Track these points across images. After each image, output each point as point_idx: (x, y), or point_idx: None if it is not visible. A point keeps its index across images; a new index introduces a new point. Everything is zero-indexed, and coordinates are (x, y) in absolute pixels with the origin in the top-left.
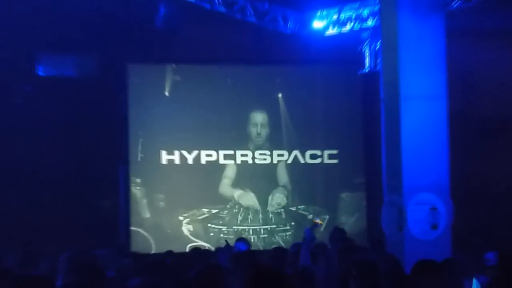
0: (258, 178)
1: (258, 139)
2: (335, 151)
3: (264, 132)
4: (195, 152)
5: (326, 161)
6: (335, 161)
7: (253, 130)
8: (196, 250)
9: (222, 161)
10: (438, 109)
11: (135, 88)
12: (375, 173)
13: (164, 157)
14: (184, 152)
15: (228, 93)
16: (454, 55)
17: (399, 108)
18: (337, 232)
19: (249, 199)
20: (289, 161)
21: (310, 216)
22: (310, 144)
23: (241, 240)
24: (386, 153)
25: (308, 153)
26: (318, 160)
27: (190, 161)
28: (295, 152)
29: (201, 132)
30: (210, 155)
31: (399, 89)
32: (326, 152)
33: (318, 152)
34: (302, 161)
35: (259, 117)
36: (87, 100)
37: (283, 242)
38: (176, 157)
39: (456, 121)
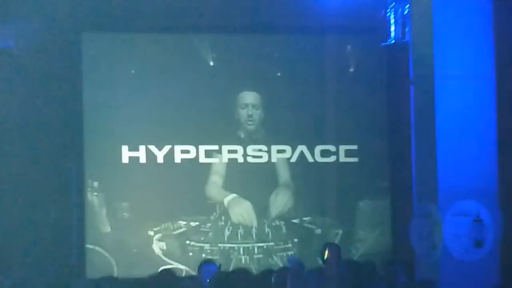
0: (251, 182)
1: (250, 123)
2: (353, 147)
3: (257, 114)
4: (167, 148)
5: (342, 159)
6: (353, 159)
7: (243, 112)
8: (170, 274)
9: (203, 159)
10: (484, 92)
11: (90, 64)
12: (403, 175)
13: (127, 154)
14: (153, 148)
15: (210, 71)
16: (504, 23)
17: (434, 91)
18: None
19: (242, 210)
20: (293, 159)
21: (318, 231)
22: (321, 137)
23: (207, 262)
24: (416, 149)
25: (318, 149)
26: (332, 158)
27: (160, 159)
28: (301, 148)
29: (175, 120)
30: (187, 152)
31: (434, 66)
32: (342, 148)
33: (332, 148)
34: (310, 159)
35: (249, 97)
36: (30, 79)
37: (283, 264)
38: (142, 154)
39: (507, 107)
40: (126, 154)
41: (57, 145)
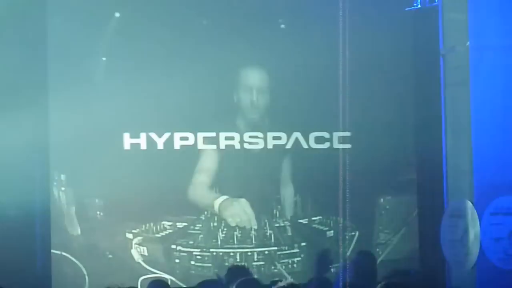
0: (249, 175)
1: (254, 112)
2: (371, 132)
3: (263, 101)
4: (151, 135)
5: (359, 146)
6: (372, 146)
7: (246, 98)
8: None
9: (200, 145)
10: None
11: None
12: (432, 167)
13: (105, 139)
14: (143, 135)
15: (202, 43)
16: None
17: (469, 65)
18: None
19: (239, 211)
20: (288, 146)
21: (331, 233)
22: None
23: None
24: (448, 135)
25: (336, 134)
26: (346, 146)
27: (143, 146)
28: (304, 134)
29: (159, 102)
30: (182, 138)
31: (468, 35)
32: (356, 134)
33: (347, 133)
34: (316, 147)
35: (254, 78)
36: None
37: (288, 273)
38: (126, 140)
39: None
40: (105, 139)
41: (17, 132)
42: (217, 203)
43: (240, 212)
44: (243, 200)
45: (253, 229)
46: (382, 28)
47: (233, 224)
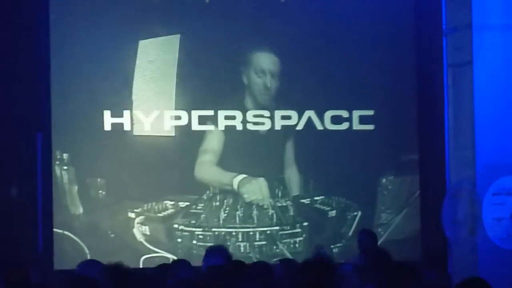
0: (252, 155)
1: (265, 95)
2: (371, 112)
3: (275, 85)
4: (155, 113)
5: (357, 126)
6: (371, 127)
7: (259, 81)
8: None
9: (196, 127)
10: None
11: (58, 20)
12: (434, 146)
13: (106, 120)
14: (138, 113)
15: (205, 22)
16: None
17: (472, 45)
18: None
19: (256, 188)
20: (300, 127)
21: (333, 213)
22: (333, 100)
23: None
24: (450, 115)
25: (328, 114)
26: (345, 125)
27: (147, 127)
28: (309, 113)
29: (163, 83)
30: (178, 118)
31: (471, 14)
32: (357, 113)
33: (345, 113)
34: (319, 126)
35: (268, 62)
36: None
37: (290, 252)
38: (125, 120)
39: None
40: (106, 120)
41: (21, 109)
42: (236, 180)
43: (256, 190)
44: (261, 179)
45: (254, 208)
46: (387, 7)
47: (248, 201)
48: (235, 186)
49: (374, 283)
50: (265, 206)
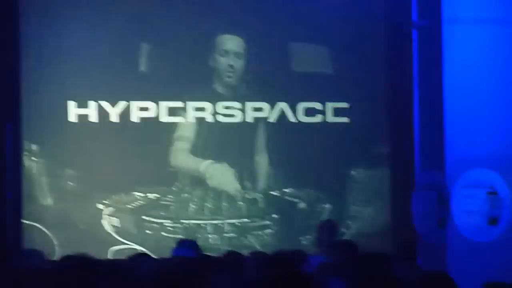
0: (222, 146)
1: (230, 75)
2: (344, 104)
3: (239, 64)
4: (122, 104)
5: (330, 119)
6: (344, 119)
7: (222, 61)
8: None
9: (165, 118)
10: (502, 39)
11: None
12: (403, 139)
13: (74, 111)
14: (105, 104)
15: (174, 6)
16: None
17: (441, 38)
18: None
19: (219, 173)
20: (272, 119)
21: (302, 205)
22: (306, 93)
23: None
24: (420, 107)
25: (301, 106)
26: (318, 118)
27: (114, 118)
28: (281, 105)
29: (131, 70)
30: (146, 109)
31: (441, 8)
32: (330, 105)
33: (318, 106)
34: (292, 119)
35: (231, 43)
36: None
37: (260, 245)
38: (92, 112)
39: None
40: (73, 111)
41: None
42: (202, 166)
43: (220, 175)
44: (225, 164)
45: (223, 200)
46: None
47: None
48: (202, 171)
49: (341, 275)
50: (230, 192)
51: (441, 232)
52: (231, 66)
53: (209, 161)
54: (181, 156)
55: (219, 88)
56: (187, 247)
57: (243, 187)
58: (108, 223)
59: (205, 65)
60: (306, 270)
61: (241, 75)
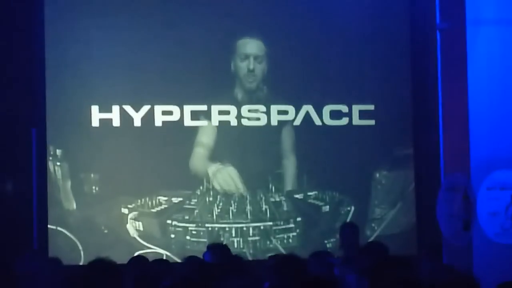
0: (247, 150)
1: (250, 80)
2: (369, 107)
3: (260, 68)
4: (145, 108)
5: (356, 122)
6: (369, 122)
7: (242, 66)
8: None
9: (188, 122)
10: None
11: (52, 13)
12: (428, 141)
13: (97, 115)
14: (128, 108)
15: (197, 11)
16: None
17: (465, 40)
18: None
19: (225, 177)
20: (297, 122)
21: (327, 208)
22: (331, 95)
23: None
24: (445, 109)
25: (327, 109)
26: (344, 121)
27: (137, 122)
28: (307, 108)
29: (154, 76)
30: (169, 113)
31: (465, 9)
32: (356, 108)
33: (344, 108)
34: (317, 122)
35: (251, 46)
36: None
37: (283, 247)
38: (115, 116)
39: None
40: (97, 115)
41: (16, 106)
42: (210, 171)
43: (227, 179)
44: (230, 167)
45: (248, 203)
46: (382, 4)
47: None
48: (211, 177)
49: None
50: (238, 195)
51: (466, 234)
52: (252, 70)
53: (215, 165)
54: (201, 163)
55: (240, 92)
56: (218, 251)
57: (267, 190)
58: (132, 227)
59: (227, 69)
60: (331, 272)
61: (262, 79)
